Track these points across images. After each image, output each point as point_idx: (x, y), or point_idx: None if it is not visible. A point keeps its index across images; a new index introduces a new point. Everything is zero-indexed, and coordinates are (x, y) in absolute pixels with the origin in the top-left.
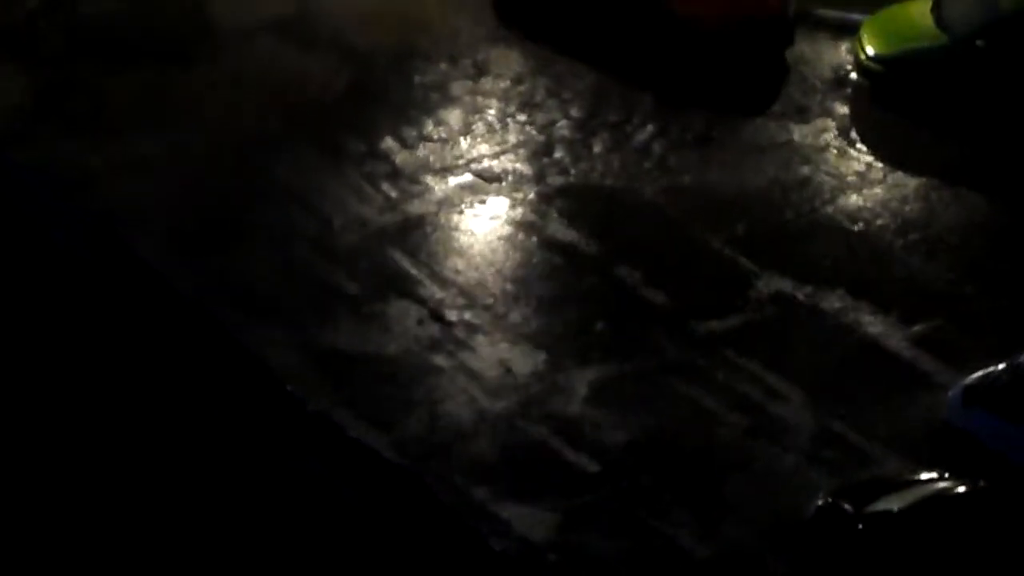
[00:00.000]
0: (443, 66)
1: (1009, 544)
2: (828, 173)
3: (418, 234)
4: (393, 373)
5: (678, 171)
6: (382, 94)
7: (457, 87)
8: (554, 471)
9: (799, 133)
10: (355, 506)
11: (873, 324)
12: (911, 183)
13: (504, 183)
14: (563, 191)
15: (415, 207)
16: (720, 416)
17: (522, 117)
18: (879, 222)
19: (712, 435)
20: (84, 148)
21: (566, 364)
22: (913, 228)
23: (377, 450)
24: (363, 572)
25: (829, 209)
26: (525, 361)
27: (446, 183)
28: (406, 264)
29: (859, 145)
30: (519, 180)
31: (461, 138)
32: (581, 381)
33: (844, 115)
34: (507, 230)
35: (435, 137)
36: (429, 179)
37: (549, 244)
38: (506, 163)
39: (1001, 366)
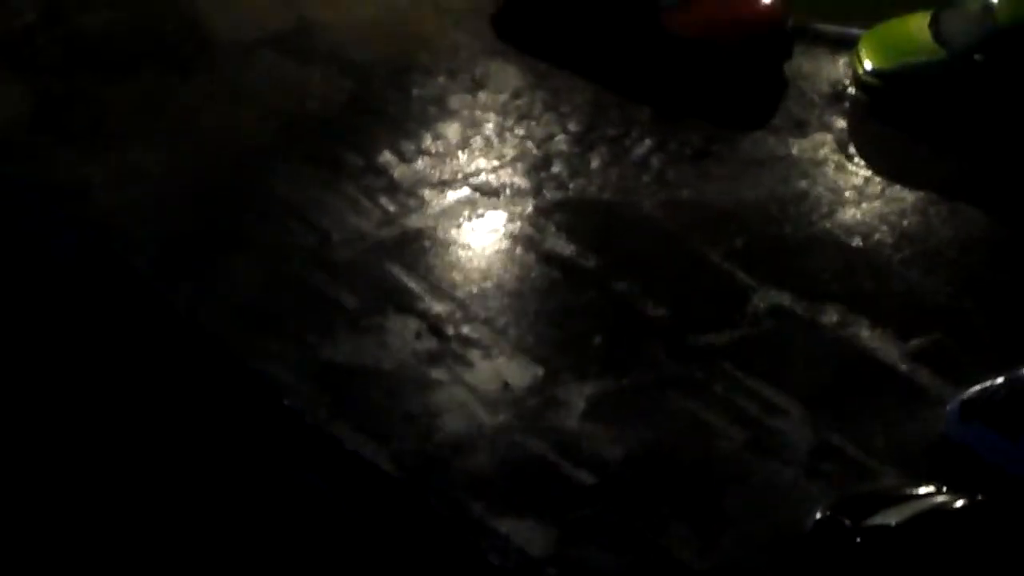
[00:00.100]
0: (441, 80)
1: (1007, 558)
2: (826, 187)
3: (416, 248)
4: (391, 387)
5: (676, 185)
6: (380, 108)
7: (455, 101)
8: (552, 485)
9: (797, 147)
10: (353, 519)
11: (871, 338)
12: (909, 197)
13: (502, 197)
14: (561, 205)
15: (413, 221)
16: (718, 430)
17: (520, 131)
18: (877, 236)
19: (710, 449)
20: (81, 159)
21: (564, 378)
22: (911, 242)
23: (375, 463)
24: None
25: (827, 223)
26: (523, 375)
27: (444, 197)
28: (404, 278)
29: (857, 159)
30: (517, 194)
31: (459, 152)
32: (579, 395)
33: (842, 129)
34: (505, 244)
35: (433, 151)
36: (427, 193)
37: (547, 258)
38: (504, 177)
39: (999, 380)
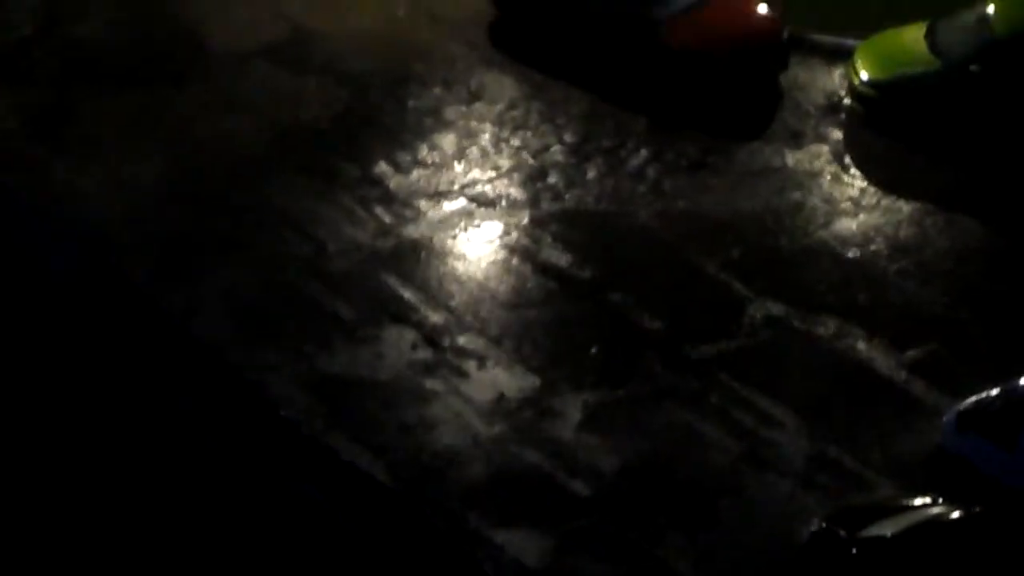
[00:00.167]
0: (437, 91)
1: (1003, 569)
2: (822, 198)
3: (412, 259)
4: (387, 397)
5: (672, 196)
6: (376, 118)
7: (451, 112)
8: (548, 495)
9: (793, 158)
10: (349, 530)
11: (867, 349)
12: (905, 208)
13: (498, 208)
14: (557, 216)
15: (409, 232)
16: (714, 441)
17: (516, 142)
18: (873, 247)
19: (706, 460)
20: (77, 170)
21: (560, 388)
22: (907, 253)
23: (371, 474)
24: None
25: (823, 234)
26: (519, 385)
27: (440, 208)
28: (400, 288)
29: (853, 170)
30: (513, 205)
31: (455, 163)
32: (575, 406)
33: (838, 140)
34: (501, 255)
35: (429, 161)
36: (423, 204)
37: (543, 269)
38: (500, 188)
39: (995, 391)
